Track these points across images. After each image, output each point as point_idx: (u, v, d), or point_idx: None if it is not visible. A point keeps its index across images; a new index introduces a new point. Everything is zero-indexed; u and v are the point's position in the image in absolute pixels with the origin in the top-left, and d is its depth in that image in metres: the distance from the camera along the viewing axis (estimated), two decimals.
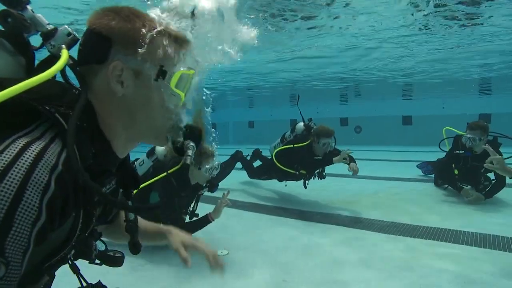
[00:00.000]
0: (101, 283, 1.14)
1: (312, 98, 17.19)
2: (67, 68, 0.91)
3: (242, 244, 3.56)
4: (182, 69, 0.92)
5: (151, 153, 3.49)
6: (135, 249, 1.17)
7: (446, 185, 5.90)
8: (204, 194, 3.56)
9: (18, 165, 0.67)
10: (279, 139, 5.54)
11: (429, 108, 16.16)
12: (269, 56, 9.64)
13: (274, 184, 6.07)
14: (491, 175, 5.12)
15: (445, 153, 5.76)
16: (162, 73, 0.90)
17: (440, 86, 14.11)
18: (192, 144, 1.00)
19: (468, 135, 4.83)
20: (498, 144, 4.94)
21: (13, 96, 0.72)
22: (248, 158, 6.50)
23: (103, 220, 1.16)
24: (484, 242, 3.42)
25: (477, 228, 3.82)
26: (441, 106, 16.13)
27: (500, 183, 4.88)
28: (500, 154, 4.86)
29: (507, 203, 4.93)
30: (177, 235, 1.32)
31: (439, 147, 6.00)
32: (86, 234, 0.99)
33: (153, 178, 3.13)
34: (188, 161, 0.99)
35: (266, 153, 6.19)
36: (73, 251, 0.97)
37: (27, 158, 0.69)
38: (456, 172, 5.13)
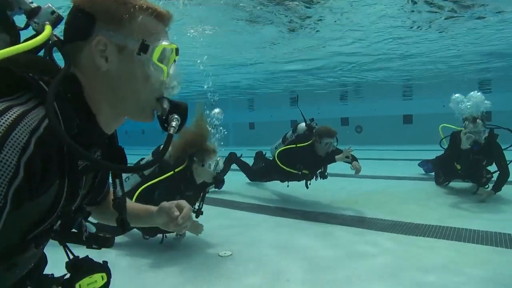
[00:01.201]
0: (88, 256, 1.12)
1: (312, 99, 17.22)
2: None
3: (246, 245, 3.58)
4: (164, 43, 0.94)
5: (157, 152, 3.51)
6: (123, 225, 1.16)
7: (447, 183, 5.92)
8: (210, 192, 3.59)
9: (1, 123, 0.69)
10: (281, 139, 5.55)
11: (429, 106, 16.15)
12: (270, 58, 9.71)
13: (276, 185, 6.09)
14: (492, 168, 5.13)
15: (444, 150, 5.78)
16: (144, 48, 0.91)
17: (440, 84, 14.13)
18: (176, 116, 0.99)
19: (473, 129, 4.86)
20: (495, 136, 4.98)
21: None
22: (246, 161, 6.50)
23: (92, 200, 1.17)
24: (487, 240, 3.43)
25: (479, 225, 3.83)
26: (442, 105, 16.13)
27: (505, 174, 4.89)
28: (498, 145, 4.92)
29: (509, 200, 4.94)
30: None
31: (440, 145, 6.02)
32: (73, 208, 1.00)
33: (159, 177, 3.16)
34: (172, 132, 0.97)
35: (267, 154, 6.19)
36: (59, 222, 0.97)
37: (7, 119, 0.70)
38: (458, 167, 5.14)
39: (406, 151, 11.97)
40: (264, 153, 6.39)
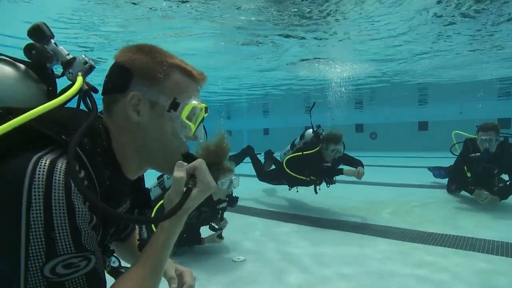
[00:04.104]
0: None
1: (327, 105, 17.19)
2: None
3: (259, 250, 3.64)
4: (194, 102, 0.99)
5: None
6: None
7: (459, 191, 5.85)
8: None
9: (55, 179, 0.74)
10: (289, 146, 5.55)
11: (445, 113, 15.95)
12: (284, 65, 9.76)
13: (287, 192, 6.10)
14: (505, 177, 5.06)
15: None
16: (175, 105, 0.97)
17: (457, 90, 13.91)
18: None
19: (484, 137, 4.81)
20: (510, 145, 4.91)
21: (23, 123, 0.77)
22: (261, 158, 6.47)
23: (116, 236, 1.20)
24: (502, 250, 3.40)
25: (493, 235, 3.79)
26: (458, 111, 15.90)
27: None
28: None
29: None
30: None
31: (451, 151, 5.98)
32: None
33: None
34: (190, 187, 1.03)
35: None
36: None
37: (59, 171, 0.75)
38: (469, 175, 5.10)
39: (421, 158, 11.83)
40: (273, 152, 6.33)
